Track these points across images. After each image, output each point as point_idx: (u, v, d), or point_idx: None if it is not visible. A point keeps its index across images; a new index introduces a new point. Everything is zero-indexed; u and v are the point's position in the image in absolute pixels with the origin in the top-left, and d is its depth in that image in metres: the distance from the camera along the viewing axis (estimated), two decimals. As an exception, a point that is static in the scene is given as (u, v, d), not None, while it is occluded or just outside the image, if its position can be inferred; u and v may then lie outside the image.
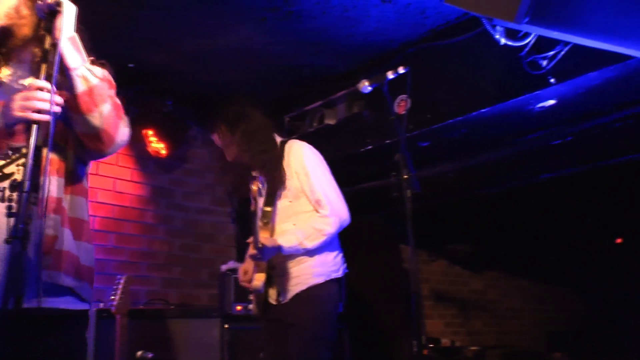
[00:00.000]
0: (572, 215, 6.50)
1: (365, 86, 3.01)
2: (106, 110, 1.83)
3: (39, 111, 1.68)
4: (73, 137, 1.94)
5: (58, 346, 1.83)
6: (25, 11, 1.95)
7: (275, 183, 3.18)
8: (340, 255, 3.27)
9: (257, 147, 3.21)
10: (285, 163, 3.21)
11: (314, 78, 4.97)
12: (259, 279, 3.07)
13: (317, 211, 3.14)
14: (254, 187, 3.16)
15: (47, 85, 1.70)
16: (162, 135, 5.48)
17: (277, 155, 3.22)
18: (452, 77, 4.16)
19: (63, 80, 1.79)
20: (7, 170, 1.84)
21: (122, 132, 1.92)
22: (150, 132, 5.43)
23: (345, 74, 4.82)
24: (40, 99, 1.69)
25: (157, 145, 5.46)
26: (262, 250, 2.94)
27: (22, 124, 1.86)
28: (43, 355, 1.80)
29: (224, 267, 4.66)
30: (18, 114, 1.71)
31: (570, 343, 7.53)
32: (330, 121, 4.98)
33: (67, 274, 1.82)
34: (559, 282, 8.32)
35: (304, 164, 3.19)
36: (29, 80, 1.94)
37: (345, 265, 3.29)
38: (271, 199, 3.18)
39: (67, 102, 1.81)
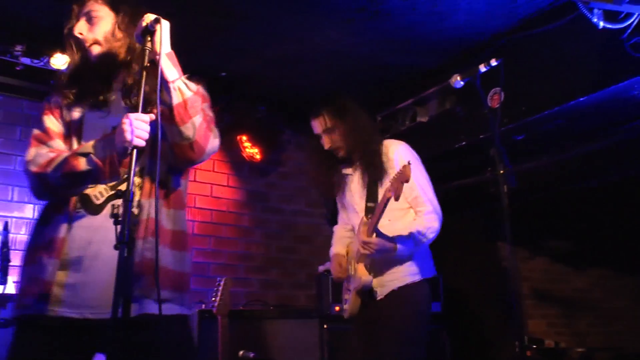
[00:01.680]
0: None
1: (457, 81, 2.94)
2: (198, 122, 1.90)
3: (139, 137, 1.77)
4: (166, 150, 1.99)
5: (162, 350, 1.90)
6: (120, 34, 2.06)
7: (375, 176, 3.17)
8: (431, 255, 3.24)
9: (362, 138, 3.21)
10: (384, 160, 3.20)
11: (404, 76, 4.94)
12: (365, 274, 3.06)
13: (412, 209, 3.12)
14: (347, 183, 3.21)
15: (144, 117, 1.79)
16: (256, 140, 5.62)
17: (379, 150, 3.22)
18: (547, 67, 4.01)
19: (160, 92, 1.85)
20: (121, 188, 1.92)
21: (212, 143, 1.98)
22: (244, 138, 5.58)
23: (436, 70, 4.75)
24: (140, 127, 1.77)
25: (251, 150, 5.60)
26: (379, 236, 2.94)
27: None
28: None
29: (321, 268, 4.69)
30: (123, 140, 1.79)
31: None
32: (423, 118, 4.93)
33: (163, 288, 1.85)
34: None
35: (403, 161, 3.17)
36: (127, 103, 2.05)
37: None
38: (373, 194, 3.18)
39: (163, 114, 1.87)
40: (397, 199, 2.84)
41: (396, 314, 3.03)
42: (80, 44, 2.07)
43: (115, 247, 1.59)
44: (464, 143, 4.56)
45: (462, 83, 2.94)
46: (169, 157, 1.98)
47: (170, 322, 1.90)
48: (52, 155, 1.99)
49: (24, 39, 4.19)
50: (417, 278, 3.09)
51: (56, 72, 4.24)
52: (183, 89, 1.88)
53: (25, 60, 4.25)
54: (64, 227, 1.92)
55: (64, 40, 2.13)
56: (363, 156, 3.20)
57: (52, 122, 2.09)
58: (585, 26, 3.47)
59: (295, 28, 4.23)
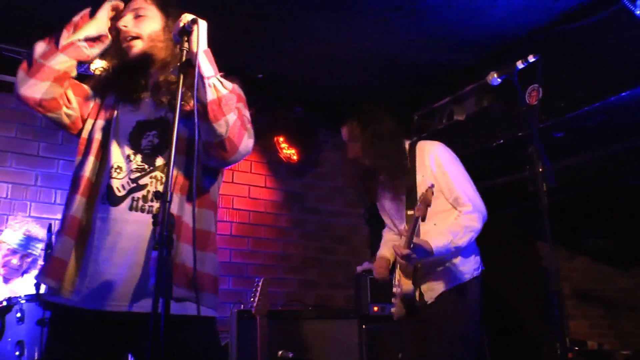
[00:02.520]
0: None
1: (494, 78, 2.90)
2: (232, 120, 1.89)
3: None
4: (198, 148, 1.99)
5: (185, 349, 1.90)
6: (165, 36, 2.08)
7: (398, 188, 3.16)
8: (478, 254, 3.21)
9: (382, 151, 3.19)
10: (419, 163, 3.17)
11: (441, 74, 4.90)
12: (407, 283, 3.05)
13: (455, 209, 3.09)
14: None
15: None
16: (292, 141, 5.64)
17: (402, 163, 3.19)
18: (586, 62, 3.93)
19: (196, 92, 1.86)
20: (141, 182, 1.96)
21: (246, 142, 1.95)
22: (281, 139, 5.61)
23: (472, 68, 4.71)
24: None
25: (288, 151, 5.62)
26: (415, 250, 2.92)
27: (158, 139, 2.00)
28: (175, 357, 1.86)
29: (359, 268, 4.68)
30: None
31: None
32: (460, 117, 4.88)
33: (179, 286, 1.85)
34: None
35: (440, 162, 3.14)
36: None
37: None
38: (413, 202, 3.14)
39: (197, 111, 1.86)
40: (423, 219, 2.84)
41: (447, 313, 3.02)
42: (121, 38, 2.08)
43: (154, 248, 1.60)
44: (501, 141, 4.50)
45: (499, 80, 2.90)
46: (201, 156, 1.98)
47: (188, 322, 1.88)
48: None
49: (65, 45, 4.29)
50: (465, 278, 3.07)
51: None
52: (218, 86, 1.87)
53: (67, 67, 4.34)
54: (81, 207, 1.95)
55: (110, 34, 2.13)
56: (386, 168, 3.19)
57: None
58: (626, 19, 3.41)
59: (331, 28, 4.24)
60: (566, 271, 6.49)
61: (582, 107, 3.91)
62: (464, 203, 3.05)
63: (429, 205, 2.85)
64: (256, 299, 3.70)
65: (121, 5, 2.16)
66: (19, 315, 3.06)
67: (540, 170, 2.63)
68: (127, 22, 2.08)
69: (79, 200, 1.96)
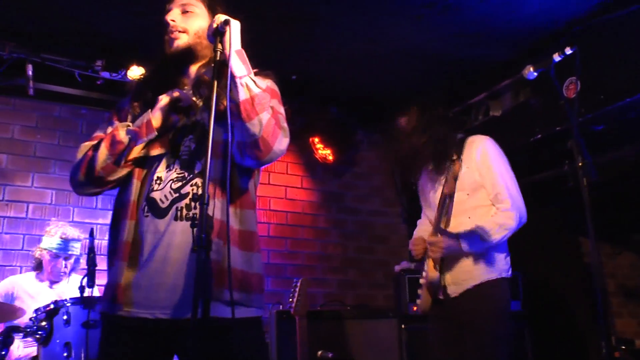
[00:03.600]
0: None
1: (531, 72, 2.84)
2: (265, 119, 1.87)
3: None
4: (234, 156, 1.99)
5: (233, 353, 1.90)
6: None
7: (441, 173, 3.14)
8: (509, 256, 3.16)
9: (435, 136, 3.18)
10: (466, 156, 3.14)
11: (476, 70, 4.85)
12: (433, 271, 3.03)
13: (494, 206, 3.06)
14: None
15: None
16: (328, 142, 5.64)
17: (450, 149, 3.17)
18: (626, 52, 3.82)
19: (229, 93, 1.85)
20: (184, 191, 1.96)
21: (281, 141, 1.92)
22: (317, 140, 5.62)
23: (508, 62, 4.64)
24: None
25: (324, 152, 5.63)
26: (443, 237, 2.93)
27: (194, 143, 2.02)
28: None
29: (397, 268, 4.66)
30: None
31: None
32: (496, 112, 4.82)
33: (229, 288, 1.83)
34: None
35: (487, 156, 3.12)
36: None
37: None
38: (450, 189, 3.12)
39: (230, 111, 1.85)
40: (450, 195, 2.82)
41: (476, 313, 2.98)
42: (168, 31, 2.09)
43: (193, 250, 1.61)
44: (539, 136, 4.41)
45: (535, 74, 2.84)
46: (235, 157, 1.98)
47: (237, 324, 1.88)
48: (93, 141, 2.09)
49: (104, 54, 4.40)
50: (493, 276, 3.02)
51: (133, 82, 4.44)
52: (250, 85, 1.86)
53: (105, 74, 4.46)
54: (131, 231, 1.96)
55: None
56: (433, 156, 3.17)
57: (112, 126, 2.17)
58: (667, 7, 3.31)
59: (365, 27, 4.23)
60: (611, 268, 6.34)
61: (622, 99, 3.80)
62: (503, 200, 3.02)
63: (456, 178, 2.85)
64: (295, 300, 3.71)
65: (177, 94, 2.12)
66: (65, 317, 3.13)
67: (581, 164, 2.57)
68: (175, 17, 2.09)
69: (129, 224, 1.97)
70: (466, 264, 3.04)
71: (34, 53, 4.23)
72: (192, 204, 1.92)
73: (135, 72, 4.41)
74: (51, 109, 4.79)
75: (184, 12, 2.11)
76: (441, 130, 3.23)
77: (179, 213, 1.92)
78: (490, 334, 2.95)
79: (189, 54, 2.09)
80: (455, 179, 3.05)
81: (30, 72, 4.18)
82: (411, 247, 3.24)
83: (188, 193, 1.94)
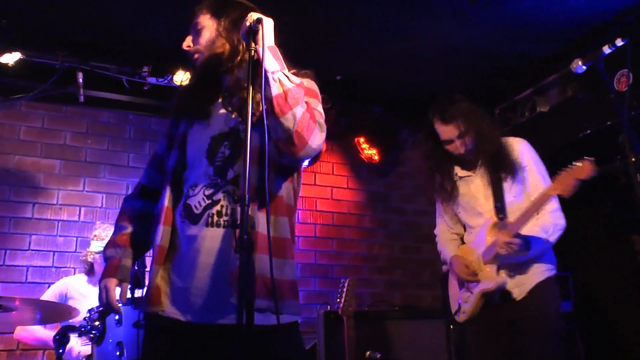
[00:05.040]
0: None
1: (579, 65, 2.76)
2: (299, 113, 1.85)
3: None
4: (271, 156, 1.98)
5: (271, 358, 1.91)
6: (220, 40, 2.10)
7: (504, 174, 3.10)
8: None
9: (492, 138, 3.13)
10: (512, 158, 3.12)
11: (521, 65, 4.77)
12: (494, 276, 2.98)
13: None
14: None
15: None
16: (373, 142, 5.64)
17: (505, 149, 3.14)
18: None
19: (264, 91, 1.86)
20: (215, 198, 1.98)
21: (316, 136, 1.90)
22: (361, 140, 5.62)
23: (555, 57, 4.55)
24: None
25: (369, 152, 5.62)
26: (521, 239, 2.87)
27: (229, 149, 2.03)
28: None
29: (444, 268, 4.61)
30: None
31: None
32: (543, 108, 4.74)
33: (260, 297, 1.84)
34: None
35: (529, 159, 3.11)
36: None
37: None
38: (499, 194, 3.10)
39: (265, 108, 1.85)
40: (567, 195, 2.74)
41: (541, 307, 2.97)
42: (189, 57, 2.15)
43: (236, 251, 1.61)
44: (588, 131, 4.31)
45: (584, 68, 2.77)
46: (273, 156, 1.97)
47: (272, 331, 1.88)
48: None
49: (150, 60, 4.49)
50: (552, 274, 3.03)
51: (178, 88, 4.52)
52: (283, 80, 1.85)
53: (151, 80, 4.55)
54: (165, 236, 2.01)
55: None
56: (493, 156, 3.12)
57: (160, 146, 2.26)
58: None
59: (407, 26, 4.22)
60: (665, 266, 6.14)
61: (676, 91, 3.70)
62: (549, 201, 2.97)
63: (504, 179, 2.90)
64: (342, 300, 3.71)
65: None
66: (117, 317, 3.19)
67: (633, 160, 2.51)
68: (187, 42, 2.15)
69: (163, 229, 2.02)
70: (524, 265, 3.01)
71: (84, 61, 4.36)
72: (224, 210, 1.94)
73: (181, 76, 4.49)
74: (100, 115, 4.91)
75: (195, 32, 2.15)
76: (492, 131, 3.18)
77: (210, 219, 1.95)
78: (554, 329, 2.95)
79: (209, 66, 2.11)
80: (504, 180, 3.05)
81: (80, 80, 4.31)
82: (460, 272, 3.12)
83: (219, 200, 1.96)
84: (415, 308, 5.18)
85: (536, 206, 2.87)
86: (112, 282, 2.07)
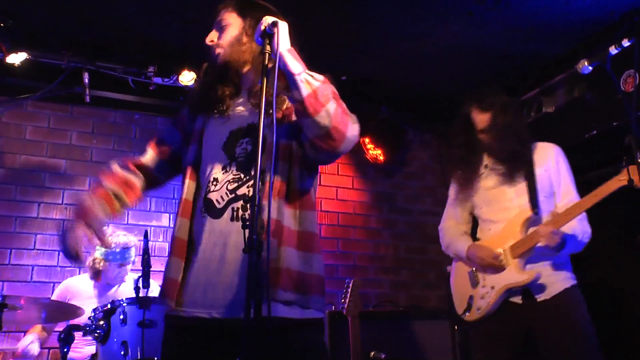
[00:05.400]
0: None
1: (585, 66, 2.77)
2: (332, 108, 1.85)
3: None
4: (298, 153, 2.02)
5: (291, 354, 1.89)
6: (246, 39, 2.12)
7: (531, 172, 3.09)
8: None
9: (522, 134, 3.13)
10: (538, 157, 3.12)
11: (528, 65, 4.75)
12: (523, 272, 2.96)
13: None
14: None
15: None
16: (379, 142, 5.62)
17: (529, 151, 3.13)
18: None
19: (287, 90, 1.89)
20: (240, 192, 1.99)
21: (352, 127, 1.91)
22: (367, 140, 5.60)
23: (562, 57, 4.53)
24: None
25: (375, 152, 5.61)
26: (564, 241, 2.85)
27: (251, 145, 2.03)
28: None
29: (449, 268, 4.60)
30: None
31: None
32: (549, 109, 4.71)
33: (285, 289, 1.87)
34: None
35: (562, 164, 3.11)
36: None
37: None
38: (534, 190, 3.07)
39: (296, 111, 1.89)
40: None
41: (574, 316, 2.93)
42: (210, 52, 2.16)
43: (244, 251, 1.61)
44: (595, 132, 4.29)
45: (590, 68, 2.76)
46: (308, 156, 2.00)
47: (294, 326, 1.89)
48: None
49: (156, 60, 4.50)
50: (575, 282, 3.03)
51: (184, 88, 4.52)
52: (310, 80, 1.86)
53: (157, 80, 4.55)
54: (183, 228, 2.02)
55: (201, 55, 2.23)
56: (525, 154, 3.12)
57: (167, 133, 2.31)
58: None
59: (415, 26, 4.21)
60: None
61: (684, 92, 3.68)
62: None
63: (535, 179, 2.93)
64: (347, 300, 3.70)
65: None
66: (122, 317, 3.20)
67: (640, 160, 2.50)
68: (212, 37, 2.16)
69: (180, 221, 2.03)
70: (551, 266, 2.99)
71: (90, 61, 4.38)
72: (248, 204, 1.94)
73: (187, 77, 4.49)
74: (106, 115, 4.92)
75: (220, 28, 2.16)
76: (524, 129, 3.18)
77: (234, 214, 1.95)
78: (592, 337, 2.91)
79: (230, 66, 2.12)
80: (537, 179, 3.05)
81: (86, 80, 4.33)
82: (486, 258, 3.06)
83: (244, 194, 1.97)
84: (420, 308, 5.17)
85: (582, 207, 2.85)
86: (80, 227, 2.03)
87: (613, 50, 2.66)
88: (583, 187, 3.37)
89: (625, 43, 2.63)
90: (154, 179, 2.31)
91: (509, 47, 4.49)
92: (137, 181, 2.26)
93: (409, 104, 5.52)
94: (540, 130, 4.67)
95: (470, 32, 4.27)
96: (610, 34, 4.09)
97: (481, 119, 3.16)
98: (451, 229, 3.41)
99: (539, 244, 2.89)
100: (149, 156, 2.31)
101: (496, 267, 3.04)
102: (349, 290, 3.76)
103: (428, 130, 5.98)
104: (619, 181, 2.70)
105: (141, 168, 2.28)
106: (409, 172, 5.93)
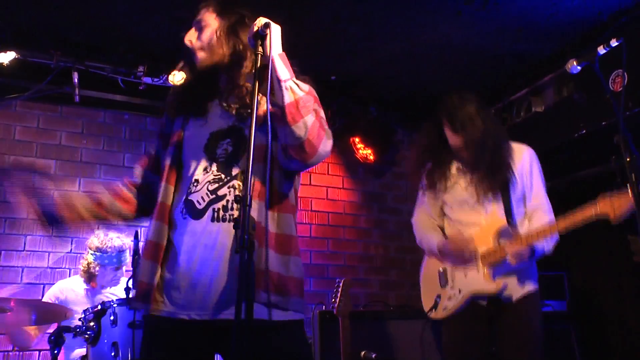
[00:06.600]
0: None
1: (574, 66, 2.77)
2: (310, 121, 1.86)
3: None
4: (275, 153, 2.00)
5: (272, 355, 1.89)
6: (224, 39, 2.09)
7: (497, 184, 3.08)
8: None
9: (494, 140, 3.11)
10: (514, 163, 3.13)
11: (518, 65, 4.77)
12: (490, 280, 3.00)
13: (528, 216, 3.08)
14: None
15: None
16: (368, 142, 5.63)
17: (508, 154, 3.13)
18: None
19: (271, 94, 1.86)
20: (220, 192, 1.97)
21: (325, 143, 1.92)
22: (357, 140, 5.61)
23: (551, 57, 4.56)
24: None
25: (364, 152, 5.62)
26: (532, 254, 2.93)
27: (232, 147, 2.03)
28: None
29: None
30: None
31: None
32: (539, 108, 4.74)
33: (264, 291, 1.86)
34: None
35: (535, 168, 3.13)
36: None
37: None
38: (507, 197, 3.09)
39: (274, 115, 1.88)
40: (616, 221, 2.76)
41: (534, 318, 3.02)
42: (189, 53, 2.14)
43: (236, 251, 1.61)
44: (584, 132, 4.31)
45: (578, 68, 2.77)
46: (279, 160, 1.99)
47: (275, 327, 1.89)
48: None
49: (145, 60, 4.48)
50: (537, 286, 3.09)
51: (173, 86, 4.50)
52: (295, 89, 1.86)
53: (147, 80, 4.53)
54: (157, 232, 2.00)
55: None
56: (497, 158, 3.10)
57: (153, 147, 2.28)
58: None
59: (404, 26, 4.21)
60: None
61: (671, 91, 3.71)
62: (547, 211, 3.05)
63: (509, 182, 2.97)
64: (337, 300, 3.70)
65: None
66: (112, 318, 3.19)
67: (629, 160, 2.51)
68: (191, 37, 2.14)
69: (154, 224, 2.02)
70: (515, 278, 3.03)
71: (79, 61, 4.35)
72: (230, 205, 1.93)
73: (177, 77, 4.46)
74: (96, 115, 4.90)
75: (199, 28, 2.14)
76: (498, 134, 3.17)
77: (215, 214, 1.94)
78: (540, 339, 2.99)
79: (211, 67, 2.11)
80: (509, 183, 3.06)
81: (76, 80, 4.30)
82: (461, 248, 3.07)
83: (225, 195, 1.96)
84: (410, 308, 5.17)
85: (562, 225, 2.86)
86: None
87: (601, 50, 2.67)
88: (573, 185, 3.41)
89: (614, 43, 2.65)
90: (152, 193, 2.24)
91: (498, 47, 4.51)
92: (132, 196, 2.24)
93: (398, 103, 5.53)
94: (530, 129, 4.70)
95: (458, 32, 4.28)
96: (599, 34, 4.12)
97: (454, 140, 3.15)
98: (423, 222, 3.42)
99: (508, 259, 2.94)
100: (138, 172, 2.29)
101: (467, 261, 3.07)
102: (340, 290, 3.76)
103: (417, 130, 5.97)
104: (593, 211, 2.78)
105: (135, 185, 2.27)
106: (399, 172, 5.94)
